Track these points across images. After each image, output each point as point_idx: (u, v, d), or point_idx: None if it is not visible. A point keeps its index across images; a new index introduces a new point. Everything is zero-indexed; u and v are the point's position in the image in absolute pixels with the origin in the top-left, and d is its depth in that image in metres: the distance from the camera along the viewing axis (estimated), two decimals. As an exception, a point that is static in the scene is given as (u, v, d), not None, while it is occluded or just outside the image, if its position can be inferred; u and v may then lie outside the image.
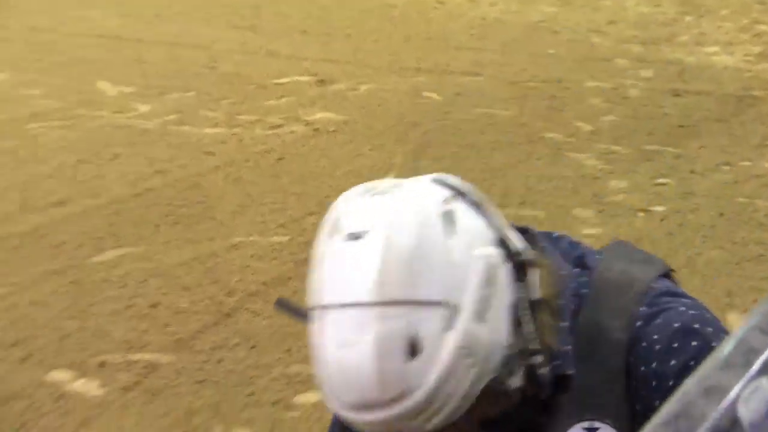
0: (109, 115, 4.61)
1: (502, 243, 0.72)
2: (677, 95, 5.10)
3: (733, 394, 0.37)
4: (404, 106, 4.87)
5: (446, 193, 0.73)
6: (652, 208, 3.69)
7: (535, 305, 0.73)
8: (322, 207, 2.64)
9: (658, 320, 0.75)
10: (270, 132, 4.42)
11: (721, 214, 3.61)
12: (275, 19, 6.60)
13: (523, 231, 0.83)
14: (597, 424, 0.75)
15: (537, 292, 0.74)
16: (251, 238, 3.46)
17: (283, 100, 4.93)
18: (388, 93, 5.00)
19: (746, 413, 0.37)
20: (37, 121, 4.62)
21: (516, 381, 0.70)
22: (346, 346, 0.64)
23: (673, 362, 0.73)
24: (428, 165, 3.93)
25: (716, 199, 3.74)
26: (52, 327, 3.06)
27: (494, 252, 0.71)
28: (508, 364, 0.69)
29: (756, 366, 0.38)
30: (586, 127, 4.59)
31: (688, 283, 2.95)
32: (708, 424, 0.36)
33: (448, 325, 0.63)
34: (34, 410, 2.67)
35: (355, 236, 0.67)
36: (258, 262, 3.31)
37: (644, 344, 0.75)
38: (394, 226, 0.67)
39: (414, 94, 5.12)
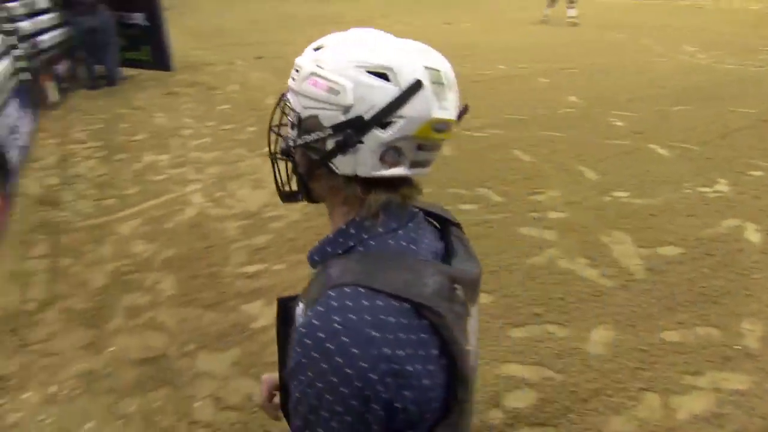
0: (687, 58, 9.31)
1: (378, 123, 0.79)
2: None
3: None
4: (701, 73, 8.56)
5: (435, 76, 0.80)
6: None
7: (328, 153, 0.81)
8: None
9: (320, 324, 0.75)
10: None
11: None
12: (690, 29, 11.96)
13: (438, 218, 0.95)
14: (306, 309, 0.82)
15: (340, 167, 0.82)
16: None
17: (666, 68, 8.82)
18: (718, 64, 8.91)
19: None
20: (650, 58, 9.38)
21: (285, 138, 0.88)
22: None
23: (296, 349, 0.78)
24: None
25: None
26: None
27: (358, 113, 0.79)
28: (298, 128, 0.83)
29: None
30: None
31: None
32: None
33: (316, 65, 0.81)
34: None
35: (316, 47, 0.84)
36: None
37: (308, 321, 0.77)
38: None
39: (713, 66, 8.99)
